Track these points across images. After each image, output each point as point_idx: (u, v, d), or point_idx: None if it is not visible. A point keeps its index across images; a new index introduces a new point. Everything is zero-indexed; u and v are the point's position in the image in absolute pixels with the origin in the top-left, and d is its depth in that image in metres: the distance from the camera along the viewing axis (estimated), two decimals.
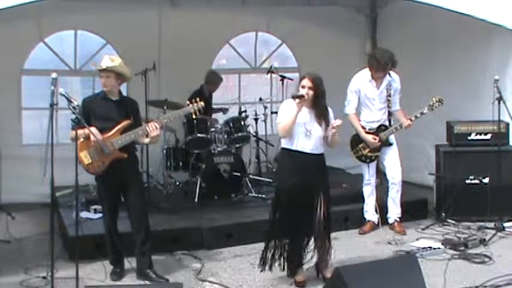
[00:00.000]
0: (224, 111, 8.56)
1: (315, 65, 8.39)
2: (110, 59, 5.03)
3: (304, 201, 4.84)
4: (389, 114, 6.37)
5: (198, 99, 5.20)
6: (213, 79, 8.31)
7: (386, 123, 6.36)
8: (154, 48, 8.12)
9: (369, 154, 6.34)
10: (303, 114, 4.84)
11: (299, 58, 9.24)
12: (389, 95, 6.31)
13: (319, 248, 5.04)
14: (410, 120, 6.22)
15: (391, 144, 6.38)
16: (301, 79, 4.91)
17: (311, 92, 4.80)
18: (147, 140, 5.12)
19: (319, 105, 4.87)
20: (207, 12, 8.33)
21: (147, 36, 8.12)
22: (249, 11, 8.67)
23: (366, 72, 6.33)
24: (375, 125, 6.35)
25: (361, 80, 6.34)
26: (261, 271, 5.07)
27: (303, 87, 4.81)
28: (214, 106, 8.51)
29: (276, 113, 8.42)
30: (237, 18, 8.72)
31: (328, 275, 4.90)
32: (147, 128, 4.98)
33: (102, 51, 8.02)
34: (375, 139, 6.29)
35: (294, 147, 4.84)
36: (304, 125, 4.83)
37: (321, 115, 4.87)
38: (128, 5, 7.94)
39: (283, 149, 4.97)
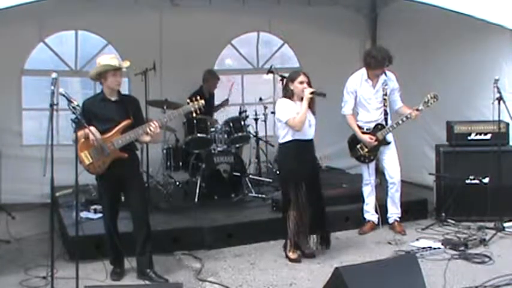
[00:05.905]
0: (225, 103, 8.56)
1: (316, 65, 8.48)
2: (116, 58, 5.04)
3: (311, 180, 5.54)
4: (386, 113, 6.34)
5: (198, 97, 5.20)
6: (209, 77, 8.31)
7: (383, 122, 6.35)
8: (155, 48, 8.13)
9: (367, 154, 6.33)
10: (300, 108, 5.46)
11: (300, 58, 9.23)
12: (385, 94, 6.29)
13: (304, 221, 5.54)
14: (417, 110, 6.18)
15: (388, 143, 6.37)
16: (293, 78, 5.51)
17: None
18: (148, 139, 5.10)
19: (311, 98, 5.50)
20: (208, 13, 8.32)
21: (148, 36, 8.14)
22: (250, 11, 8.66)
23: (361, 73, 6.32)
24: (372, 125, 6.34)
25: (357, 81, 6.33)
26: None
27: (302, 82, 5.45)
28: (216, 103, 8.53)
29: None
30: (238, 19, 8.71)
31: (306, 251, 5.59)
32: (147, 128, 4.96)
33: (103, 51, 7.99)
34: (372, 139, 6.28)
35: (303, 137, 5.49)
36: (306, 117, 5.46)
37: (313, 106, 5.54)
38: (128, 5, 7.95)
39: (288, 142, 5.50)
